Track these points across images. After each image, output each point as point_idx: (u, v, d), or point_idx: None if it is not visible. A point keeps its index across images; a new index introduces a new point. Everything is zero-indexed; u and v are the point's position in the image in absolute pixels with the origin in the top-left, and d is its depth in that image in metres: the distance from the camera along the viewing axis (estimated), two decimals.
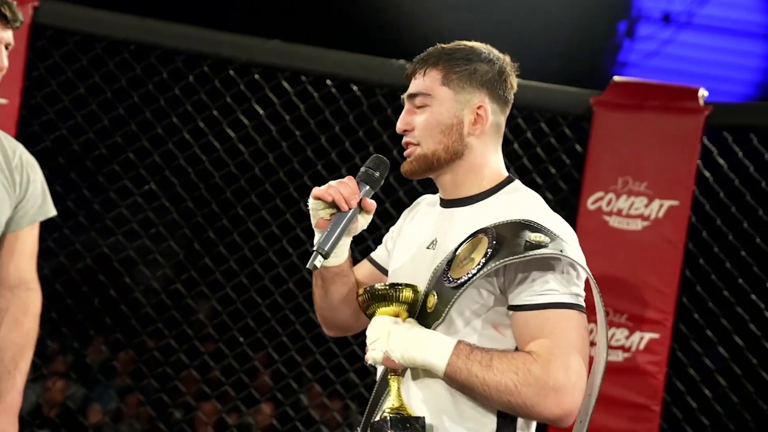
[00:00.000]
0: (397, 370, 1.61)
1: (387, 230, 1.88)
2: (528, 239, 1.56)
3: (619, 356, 2.92)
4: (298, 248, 3.32)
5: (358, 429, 1.71)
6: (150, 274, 3.47)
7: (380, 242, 1.88)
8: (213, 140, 3.29)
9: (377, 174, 1.71)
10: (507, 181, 1.73)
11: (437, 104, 1.69)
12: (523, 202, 1.68)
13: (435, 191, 1.79)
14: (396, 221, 1.86)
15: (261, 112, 3.26)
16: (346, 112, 3.24)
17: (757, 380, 3.10)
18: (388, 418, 1.58)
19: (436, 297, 1.61)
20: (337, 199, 1.65)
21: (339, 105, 3.23)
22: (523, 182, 3.35)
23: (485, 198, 1.70)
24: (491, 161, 1.73)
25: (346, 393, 3.51)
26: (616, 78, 3.05)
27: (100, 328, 3.52)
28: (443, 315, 1.59)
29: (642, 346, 2.90)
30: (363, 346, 1.65)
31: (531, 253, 1.55)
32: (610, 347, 2.93)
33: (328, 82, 3.16)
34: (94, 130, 3.25)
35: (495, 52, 1.76)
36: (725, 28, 6.92)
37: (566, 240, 1.62)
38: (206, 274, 3.41)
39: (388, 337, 1.58)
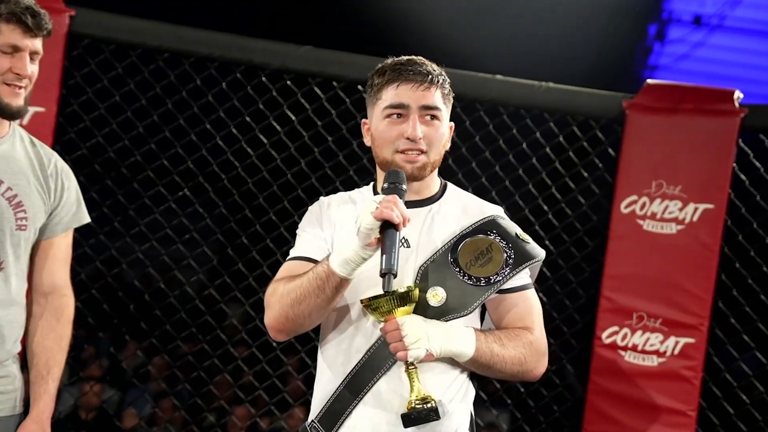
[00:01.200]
0: (414, 364, 1.79)
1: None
2: (519, 236, 1.90)
3: (654, 361, 2.90)
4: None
5: (315, 421, 1.87)
6: (184, 280, 3.50)
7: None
8: (245, 146, 3.31)
9: (404, 186, 1.84)
10: (446, 185, 1.99)
11: (443, 119, 1.92)
12: (466, 197, 1.98)
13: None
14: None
15: (293, 117, 3.28)
16: None
17: None
18: (429, 406, 1.77)
19: (444, 292, 1.83)
20: (400, 220, 1.76)
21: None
22: (555, 186, 3.33)
23: (437, 199, 1.95)
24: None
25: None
26: (649, 81, 3.03)
27: (135, 333, 3.55)
28: (470, 309, 1.85)
29: (677, 351, 2.88)
30: None
31: (539, 254, 1.90)
32: (644, 352, 2.91)
33: (360, 87, 3.17)
34: (129, 137, 3.29)
35: None
36: (757, 30, 6.85)
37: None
38: (239, 279, 3.43)
39: (428, 337, 1.78)
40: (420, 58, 1.92)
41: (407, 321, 1.77)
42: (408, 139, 1.87)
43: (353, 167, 3.32)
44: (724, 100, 2.92)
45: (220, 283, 3.46)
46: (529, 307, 1.90)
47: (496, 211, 1.95)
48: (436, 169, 1.94)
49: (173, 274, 3.48)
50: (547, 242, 3.25)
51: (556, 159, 3.26)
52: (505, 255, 1.86)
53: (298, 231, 1.99)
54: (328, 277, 1.80)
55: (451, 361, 1.84)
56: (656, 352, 2.90)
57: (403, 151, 1.87)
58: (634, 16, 6.78)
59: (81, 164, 3.33)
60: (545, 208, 3.27)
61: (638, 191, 2.96)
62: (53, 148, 2.97)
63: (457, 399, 1.87)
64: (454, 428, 1.86)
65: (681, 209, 2.92)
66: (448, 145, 1.95)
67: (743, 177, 3.01)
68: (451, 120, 1.96)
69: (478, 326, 1.90)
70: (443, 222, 1.90)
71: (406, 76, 1.88)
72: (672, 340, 2.89)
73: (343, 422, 1.85)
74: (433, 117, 1.89)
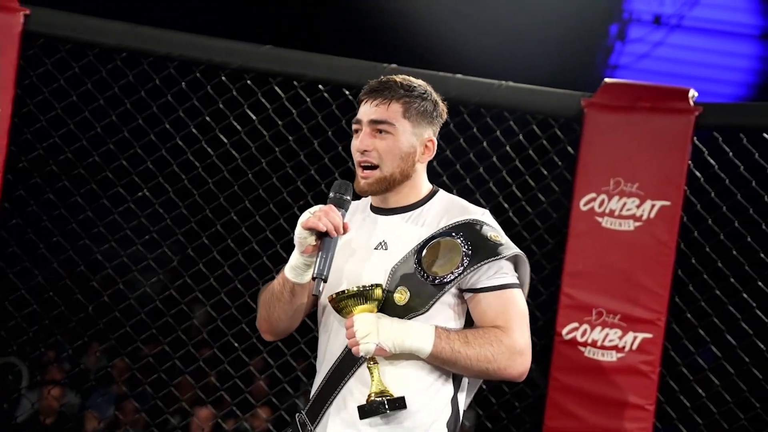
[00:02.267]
0: (374, 359, 1.90)
1: None
2: (489, 238, 1.96)
3: (612, 356, 2.93)
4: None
5: (302, 413, 2.03)
6: (144, 281, 3.47)
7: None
8: (206, 146, 3.30)
9: (347, 197, 1.98)
10: (434, 191, 2.09)
11: (399, 134, 2.00)
12: (454, 202, 2.05)
13: None
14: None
15: (254, 117, 3.27)
16: (338, 116, 3.25)
17: (750, 379, 3.11)
18: (383, 400, 1.89)
19: (408, 292, 1.94)
20: (330, 228, 1.91)
21: (331, 109, 3.24)
22: (516, 184, 3.36)
23: (421, 205, 2.05)
24: (424, 178, 2.09)
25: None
26: (607, 80, 3.06)
27: (96, 335, 3.51)
28: (427, 307, 1.94)
29: (635, 346, 2.92)
30: None
31: (504, 253, 1.95)
32: (603, 347, 2.95)
33: (320, 86, 3.17)
34: (86, 138, 3.25)
35: (434, 91, 2.09)
36: (716, 30, 6.95)
37: (500, 230, 2.02)
38: (200, 280, 3.41)
39: (378, 331, 1.88)
40: (399, 78, 2.04)
41: (359, 317, 1.89)
42: (358, 151, 2.01)
43: (314, 166, 3.32)
44: (680, 98, 2.95)
45: (180, 283, 3.43)
46: (505, 306, 1.94)
47: (478, 215, 2.01)
48: (412, 182, 2.04)
49: (133, 276, 3.45)
50: None
51: (517, 157, 3.28)
52: (462, 254, 1.93)
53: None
54: (284, 283, 2.00)
55: (421, 361, 1.93)
56: (615, 348, 2.93)
57: (359, 164, 2.01)
58: (595, 16, 6.85)
59: (38, 165, 3.30)
60: (506, 205, 3.29)
61: (597, 189, 2.99)
62: (8, 149, 2.95)
63: (428, 394, 1.94)
64: (430, 422, 1.94)
65: (638, 206, 2.95)
66: (425, 158, 2.04)
67: (698, 174, 3.05)
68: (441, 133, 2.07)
69: (454, 325, 1.97)
70: (420, 226, 2.01)
71: (367, 95, 2.03)
72: (630, 335, 2.92)
73: (322, 415, 1.99)
74: (383, 131, 1.99)
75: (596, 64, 6.98)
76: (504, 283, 1.95)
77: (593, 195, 2.99)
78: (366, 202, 2.12)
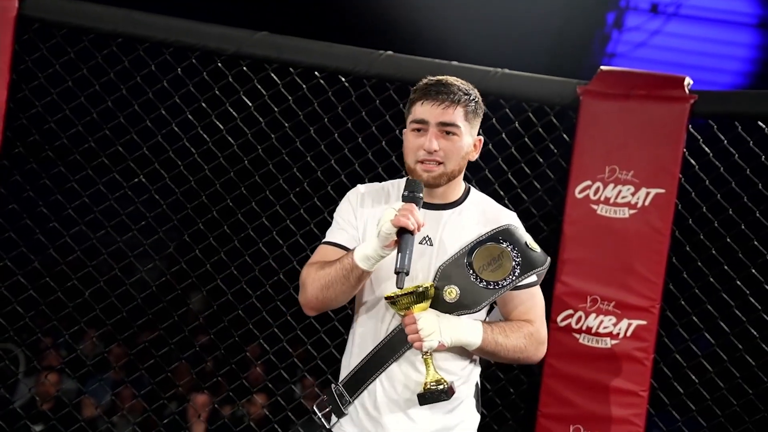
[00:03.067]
0: (429, 352, 2.12)
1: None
2: (529, 246, 2.24)
3: (606, 343, 2.94)
4: (288, 239, 3.33)
5: (339, 385, 2.23)
6: (140, 267, 3.48)
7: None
8: (202, 132, 3.30)
9: (420, 195, 2.14)
10: (469, 188, 2.32)
11: (462, 135, 2.21)
12: (487, 202, 2.32)
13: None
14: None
15: (249, 104, 3.27)
16: (334, 102, 3.25)
17: (744, 365, 3.13)
18: (441, 388, 2.13)
19: (458, 290, 2.17)
20: (414, 227, 2.08)
21: (327, 96, 3.24)
22: (511, 172, 3.37)
23: (461, 203, 2.27)
24: (463, 176, 2.31)
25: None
26: (603, 67, 3.05)
27: (92, 321, 3.52)
28: (480, 307, 2.19)
29: (629, 333, 2.93)
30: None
31: (544, 263, 2.25)
32: (597, 334, 2.96)
33: (316, 73, 3.17)
34: (82, 123, 3.25)
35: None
36: (713, 19, 6.94)
37: (526, 231, 2.30)
38: (197, 266, 3.42)
39: (441, 330, 2.11)
40: (452, 79, 2.23)
41: (423, 316, 2.12)
42: (425, 150, 2.17)
43: (310, 153, 3.32)
44: (675, 86, 2.95)
45: (177, 270, 3.44)
46: (533, 302, 2.26)
47: (511, 218, 2.28)
48: (460, 176, 2.26)
49: (129, 262, 3.45)
50: None
51: (512, 144, 3.29)
52: (514, 263, 2.20)
53: (335, 215, 2.32)
54: (352, 269, 2.14)
55: (461, 348, 2.18)
56: (609, 335, 2.94)
57: (422, 161, 2.18)
58: (592, 4, 6.84)
59: (34, 151, 3.30)
60: (501, 193, 3.30)
61: (592, 176, 2.99)
62: (4, 134, 2.95)
63: (464, 376, 2.23)
64: (464, 398, 2.23)
65: (633, 194, 2.96)
66: (474, 156, 2.27)
67: (693, 162, 3.06)
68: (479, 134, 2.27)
69: (484, 318, 2.24)
70: (463, 226, 2.23)
71: (430, 96, 2.19)
72: (624, 322, 2.93)
73: (364, 389, 2.21)
74: (450, 132, 2.19)
75: (593, 52, 6.98)
76: (532, 282, 2.24)
77: (588, 182, 2.99)
78: (397, 188, 2.28)
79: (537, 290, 2.26)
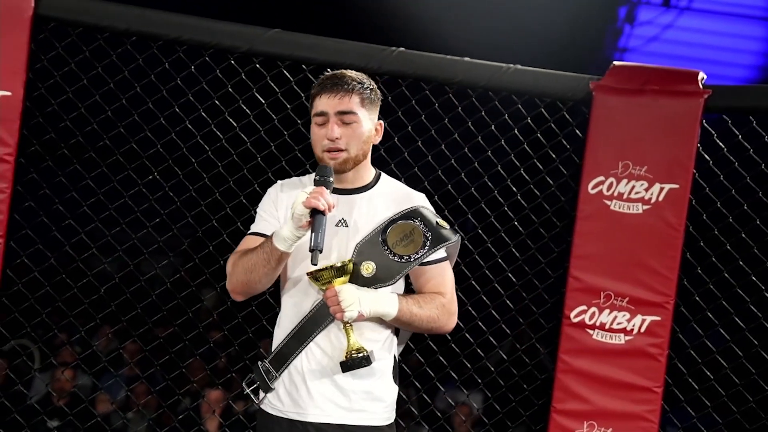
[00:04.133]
0: (349, 322, 2.27)
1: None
2: (439, 224, 2.38)
3: (621, 339, 2.94)
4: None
5: (266, 362, 2.36)
6: (155, 264, 3.49)
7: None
8: (215, 130, 3.31)
9: (331, 179, 2.30)
10: (379, 174, 2.45)
11: (360, 121, 2.36)
12: (398, 186, 2.45)
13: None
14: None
15: (262, 101, 3.28)
16: None
17: (759, 361, 3.12)
18: (362, 355, 2.28)
19: (374, 265, 2.32)
20: (325, 207, 2.24)
21: None
22: (524, 167, 3.36)
23: (372, 187, 2.41)
24: (369, 160, 2.44)
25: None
26: (616, 62, 3.05)
27: (107, 318, 3.54)
28: (395, 280, 2.34)
29: (643, 329, 2.92)
30: None
31: (452, 238, 2.38)
32: (611, 330, 2.96)
33: (329, 70, 3.16)
34: (97, 121, 3.27)
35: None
36: (725, 12, 6.91)
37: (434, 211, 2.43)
38: (211, 262, 3.43)
39: (360, 301, 2.27)
40: (347, 72, 2.39)
41: (343, 289, 2.27)
42: (328, 139, 2.33)
43: None
44: (689, 81, 2.95)
45: (191, 266, 3.45)
46: (444, 277, 2.41)
47: (421, 200, 2.43)
48: (366, 161, 2.40)
49: (144, 258, 3.47)
50: (515, 222, 3.28)
51: (525, 140, 3.28)
52: (424, 238, 2.35)
53: (258, 209, 2.48)
54: (272, 251, 2.29)
55: (379, 319, 2.33)
56: (623, 330, 2.94)
57: (328, 150, 2.34)
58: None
59: (49, 148, 3.32)
60: (514, 189, 3.30)
61: (605, 172, 2.99)
62: (20, 132, 2.97)
63: (384, 349, 2.37)
64: (384, 370, 2.36)
65: (647, 189, 2.95)
66: (376, 140, 2.41)
67: (707, 157, 3.05)
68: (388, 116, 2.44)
69: (401, 291, 2.39)
70: (375, 207, 2.37)
71: (326, 88, 2.36)
72: (638, 318, 2.93)
73: (288, 364, 2.33)
74: (348, 121, 2.34)
75: (605, 47, 6.96)
76: (441, 257, 2.40)
77: (601, 178, 2.99)
78: (310, 179, 2.40)
79: (447, 265, 2.41)
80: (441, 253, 2.40)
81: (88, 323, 3.53)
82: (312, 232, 2.23)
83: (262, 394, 2.40)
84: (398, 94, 3.21)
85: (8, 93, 2.92)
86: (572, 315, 2.97)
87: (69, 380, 4.51)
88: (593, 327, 2.96)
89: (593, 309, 2.97)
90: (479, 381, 3.44)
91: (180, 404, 4.63)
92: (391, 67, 3.09)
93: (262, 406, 2.40)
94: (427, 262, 2.39)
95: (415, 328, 2.40)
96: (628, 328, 2.93)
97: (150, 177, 3.36)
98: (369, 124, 2.39)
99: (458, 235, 2.42)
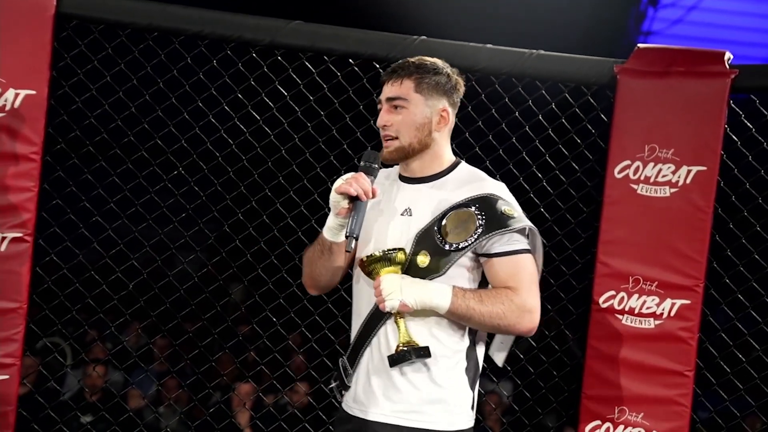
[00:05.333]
0: (401, 313, 2.16)
1: None
2: (502, 211, 2.20)
3: (650, 324, 2.91)
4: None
5: (344, 358, 2.29)
6: (182, 259, 3.51)
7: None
8: (239, 123, 3.32)
9: (375, 165, 2.23)
10: (457, 163, 2.33)
11: (411, 107, 2.25)
12: (474, 175, 2.30)
13: None
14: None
15: (285, 93, 3.28)
16: (369, 90, 3.24)
17: None
18: (408, 349, 2.16)
19: (429, 256, 2.19)
20: (360, 193, 2.17)
21: (362, 83, 3.24)
22: (549, 154, 3.35)
23: (444, 175, 2.29)
24: (447, 149, 2.33)
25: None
26: (640, 45, 3.01)
27: (136, 313, 3.57)
28: (444, 270, 2.19)
29: (673, 313, 2.90)
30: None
31: (512, 225, 2.20)
32: (641, 315, 2.94)
33: (351, 61, 3.17)
34: (121, 118, 3.29)
35: (448, 66, 2.33)
36: None
37: (515, 203, 2.27)
38: (237, 256, 3.45)
39: (401, 290, 2.14)
40: (414, 59, 2.30)
41: (384, 278, 2.17)
42: (380, 127, 2.28)
43: (347, 141, 3.33)
44: (715, 61, 2.91)
45: (218, 260, 3.47)
46: (516, 269, 2.21)
47: (492, 187, 2.26)
48: (433, 150, 2.28)
49: (171, 254, 3.49)
50: (541, 209, 3.26)
51: (549, 126, 3.26)
52: (476, 225, 2.19)
53: None
54: (323, 242, 2.28)
55: (439, 313, 2.18)
56: (653, 315, 2.91)
57: (383, 138, 2.28)
58: None
59: (75, 146, 3.34)
60: (539, 175, 3.28)
61: (631, 156, 2.96)
62: (46, 130, 2.99)
63: (447, 345, 2.21)
64: (448, 369, 2.22)
65: (674, 172, 2.92)
66: (441, 128, 2.29)
67: (735, 138, 3.01)
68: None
69: (469, 286, 2.23)
70: (442, 197, 2.25)
71: (385, 76, 2.30)
72: (668, 302, 2.90)
73: (359, 360, 2.26)
74: (397, 106, 2.25)
75: (629, 30, 6.89)
76: (514, 249, 2.20)
77: (628, 162, 2.96)
78: (396, 170, 2.36)
79: (522, 258, 2.21)
80: (516, 244, 2.21)
81: (117, 319, 3.55)
82: (348, 220, 2.18)
83: (340, 394, 2.34)
84: None
85: (33, 92, 2.94)
86: (601, 300, 2.95)
87: (100, 376, 4.56)
88: (622, 312, 2.94)
89: (622, 294, 2.94)
90: (508, 369, 3.43)
91: (211, 398, 4.66)
92: (413, 56, 3.07)
93: (342, 405, 2.33)
94: (497, 253, 2.21)
95: (477, 325, 2.21)
96: (658, 312, 2.91)
97: (175, 172, 3.37)
98: (425, 111, 2.26)
99: (527, 226, 2.22)
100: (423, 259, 2.20)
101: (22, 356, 2.92)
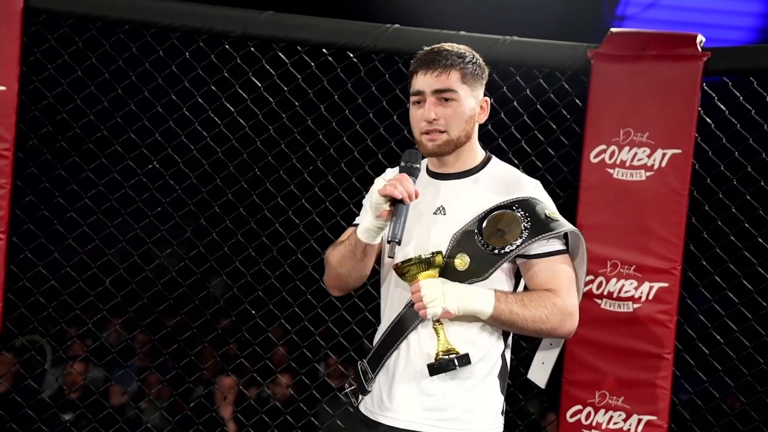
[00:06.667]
0: (440, 320, 2.07)
1: None
2: (546, 214, 2.14)
3: (629, 307, 2.93)
4: (303, 218, 3.33)
5: (364, 362, 2.21)
6: (159, 253, 3.49)
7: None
8: (213, 116, 3.29)
9: (417, 165, 2.13)
10: (489, 158, 2.27)
11: (461, 99, 2.15)
12: (509, 172, 2.24)
13: None
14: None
15: (259, 84, 3.26)
16: (344, 79, 3.23)
17: None
18: (452, 358, 2.07)
19: (469, 258, 2.10)
20: (405, 196, 2.06)
21: (336, 73, 3.23)
22: (525, 139, 3.34)
23: (477, 172, 2.21)
24: (478, 142, 2.26)
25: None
26: (613, 29, 3.02)
27: (114, 309, 3.54)
28: (487, 274, 2.11)
29: (651, 296, 2.91)
30: (374, 312, 1.74)
31: (558, 229, 2.14)
32: (619, 299, 2.95)
33: (324, 50, 3.15)
34: (93, 113, 3.26)
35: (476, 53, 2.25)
36: None
37: (552, 204, 2.22)
38: (215, 249, 3.43)
39: (444, 296, 2.05)
40: (447, 46, 2.19)
41: (426, 283, 2.06)
42: (426, 121, 2.15)
43: (322, 131, 3.31)
44: (687, 44, 2.92)
45: (195, 254, 3.44)
46: (555, 271, 2.15)
47: (532, 188, 2.20)
48: (471, 143, 2.21)
49: (148, 249, 3.47)
50: None
51: (524, 112, 3.26)
52: (522, 228, 2.11)
53: (364, 200, 2.33)
54: (356, 244, 2.16)
55: (479, 319, 2.10)
56: (631, 298, 2.93)
57: (426, 132, 2.16)
58: None
59: (47, 142, 3.31)
60: (515, 161, 3.28)
61: (607, 140, 2.97)
62: (17, 126, 2.96)
63: (484, 350, 2.15)
64: (485, 374, 2.16)
65: (649, 156, 2.93)
66: (482, 118, 2.23)
67: (709, 120, 3.03)
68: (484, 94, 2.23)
69: (507, 287, 2.17)
70: (479, 194, 2.17)
71: (424, 66, 2.16)
72: (646, 285, 2.92)
73: (383, 364, 2.18)
74: (447, 99, 2.15)
75: (603, 15, 6.90)
76: (553, 250, 2.14)
77: (603, 147, 2.97)
78: (423, 165, 2.25)
79: (561, 259, 2.16)
80: (554, 245, 2.15)
81: (95, 316, 3.53)
82: (390, 223, 2.06)
83: (360, 397, 2.26)
84: (395, 71, 3.19)
85: (3, 88, 2.90)
86: None
87: (80, 373, 4.52)
88: (601, 296, 2.95)
89: (600, 278, 2.96)
90: None
91: (193, 392, 4.65)
92: (387, 45, 3.06)
93: (360, 408, 2.26)
94: (535, 254, 2.14)
95: (520, 330, 2.13)
96: (636, 296, 2.92)
97: (149, 166, 3.35)
98: (472, 102, 2.19)
99: (571, 228, 2.17)
100: (461, 262, 2.11)
101: None
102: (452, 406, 2.12)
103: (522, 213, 2.12)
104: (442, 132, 2.15)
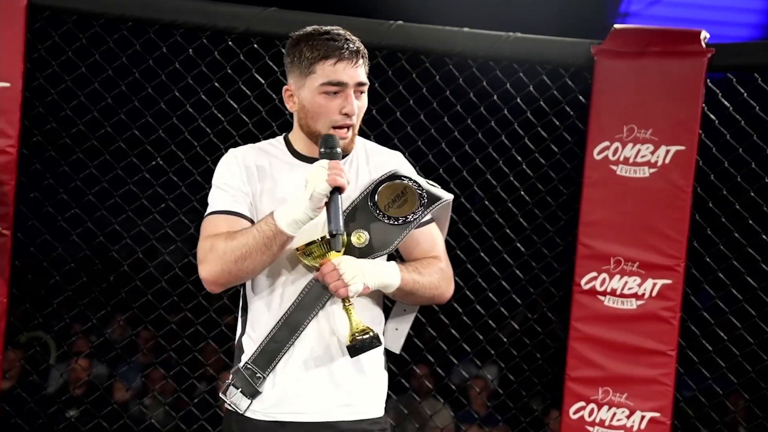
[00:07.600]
0: (349, 300, 1.98)
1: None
2: (428, 182, 2.13)
3: (632, 304, 2.93)
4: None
5: (248, 363, 2.02)
6: (163, 249, 3.50)
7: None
8: (216, 112, 3.30)
9: (339, 150, 2.00)
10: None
11: (365, 92, 2.06)
12: (375, 147, 2.17)
13: None
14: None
15: (262, 81, 3.26)
16: None
17: None
18: (368, 336, 1.98)
19: (366, 234, 2.04)
20: (346, 184, 1.95)
21: None
22: (528, 136, 3.34)
23: (349, 152, 2.10)
24: None
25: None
26: (617, 26, 3.01)
27: (118, 305, 3.55)
28: (393, 246, 2.06)
29: (655, 293, 2.91)
30: None
31: (446, 196, 2.12)
32: (622, 296, 2.95)
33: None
34: (97, 109, 3.26)
35: None
36: None
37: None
38: None
39: (363, 272, 1.98)
40: (340, 31, 2.04)
41: (343, 261, 1.97)
42: (345, 114, 2.01)
43: None
44: (691, 41, 2.91)
45: None
46: (434, 239, 2.14)
47: (401, 157, 2.17)
48: None
49: (151, 245, 3.47)
50: (522, 192, 3.27)
51: (528, 109, 3.26)
52: (418, 196, 2.07)
53: (217, 183, 2.10)
54: (275, 236, 1.95)
55: (371, 294, 2.05)
56: (634, 295, 2.92)
57: (339, 126, 2.02)
58: None
59: (51, 138, 3.31)
60: (519, 158, 3.28)
61: (610, 137, 2.96)
62: (21, 123, 2.97)
63: (380, 324, 2.10)
64: (378, 356, 2.09)
65: (653, 152, 2.93)
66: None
67: (713, 117, 3.02)
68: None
69: (387, 260, 2.09)
70: (357, 171, 2.09)
71: (341, 54, 2.00)
72: (649, 282, 2.92)
73: (280, 359, 2.02)
74: (363, 92, 2.04)
75: (606, 12, 6.90)
76: (428, 219, 2.12)
77: (607, 143, 2.97)
78: (278, 148, 2.12)
79: (434, 227, 2.14)
80: (429, 214, 2.11)
81: (99, 312, 3.53)
82: (329, 213, 1.94)
83: (245, 402, 2.05)
84: (399, 68, 3.19)
85: (7, 84, 2.91)
86: (583, 282, 2.96)
87: (85, 369, 4.53)
88: (604, 293, 2.95)
89: (604, 275, 2.96)
90: (492, 353, 3.44)
91: (196, 388, 4.65)
92: (390, 41, 3.07)
93: (247, 413, 2.05)
94: (422, 223, 2.11)
95: (416, 299, 2.11)
96: (640, 293, 2.92)
97: (153, 163, 3.35)
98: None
99: (451, 195, 2.16)
100: (359, 239, 2.03)
101: (3, 351, 2.90)
102: (359, 390, 2.05)
103: (412, 182, 2.08)
104: (351, 126, 2.04)
